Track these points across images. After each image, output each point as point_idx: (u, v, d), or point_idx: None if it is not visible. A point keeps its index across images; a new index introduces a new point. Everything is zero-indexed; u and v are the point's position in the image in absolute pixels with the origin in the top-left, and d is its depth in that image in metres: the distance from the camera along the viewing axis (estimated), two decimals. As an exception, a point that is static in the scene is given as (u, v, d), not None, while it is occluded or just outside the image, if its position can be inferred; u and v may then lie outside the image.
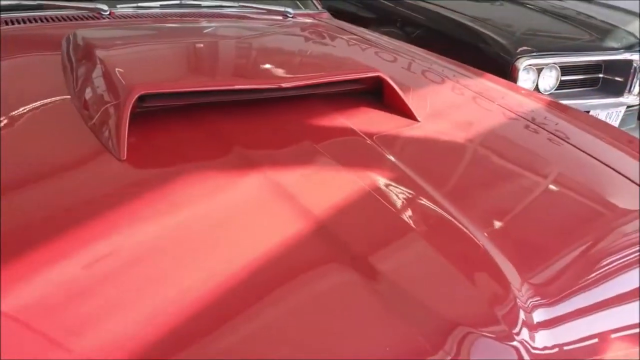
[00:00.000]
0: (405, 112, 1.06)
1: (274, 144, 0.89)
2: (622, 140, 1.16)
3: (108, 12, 1.69)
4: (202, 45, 1.22)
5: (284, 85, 0.94)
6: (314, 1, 2.23)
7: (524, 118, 1.21)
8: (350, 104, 1.08)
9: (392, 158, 0.89)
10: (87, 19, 1.65)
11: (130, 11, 1.74)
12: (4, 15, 1.60)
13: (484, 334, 0.58)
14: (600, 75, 2.98)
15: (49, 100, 1.01)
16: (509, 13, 3.32)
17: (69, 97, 0.99)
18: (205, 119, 0.94)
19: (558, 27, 3.09)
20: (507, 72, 2.66)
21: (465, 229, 0.73)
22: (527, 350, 0.58)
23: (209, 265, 0.63)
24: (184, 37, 1.36)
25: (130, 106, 0.84)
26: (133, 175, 0.80)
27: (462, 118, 1.17)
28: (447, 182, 0.88)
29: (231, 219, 0.71)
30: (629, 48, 2.92)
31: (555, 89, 2.85)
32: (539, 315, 0.63)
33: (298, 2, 2.20)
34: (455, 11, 3.16)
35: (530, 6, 3.39)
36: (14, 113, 0.93)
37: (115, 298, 0.57)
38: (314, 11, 2.14)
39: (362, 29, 2.11)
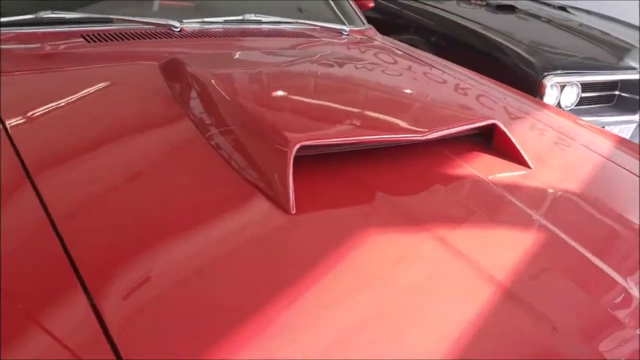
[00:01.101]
0: (518, 159, 1.11)
1: (424, 198, 0.93)
2: None
3: (179, 29, 1.69)
4: (330, 85, 1.25)
5: (427, 137, 0.98)
6: (361, 17, 2.26)
7: (612, 161, 1.28)
8: (466, 148, 1.12)
9: (525, 208, 0.94)
10: (158, 35, 1.64)
11: (197, 27, 1.74)
12: (73, 28, 1.60)
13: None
14: (617, 93, 3.08)
15: (183, 144, 1.03)
16: (528, 26, 3.39)
17: (201, 139, 1.01)
18: (345, 166, 0.97)
19: (578, 44, 3.18)
20: (534, 89, 2.74)
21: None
22: None
23: (407, 336, 0.66)
24: (303, 71, 1.37)
25: (293, 157, 0.87)
26: (307, 230, 0.83)
27: (563, 163, 1.22)
28: (589, 235, 0.93)
29: (418, 285, 0.74)
30: (645, 68, 3.03)
31: (575, 105, 2.95)
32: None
33: (340, 16, 2.23)
34: (478, 23, 3.22)
35: (545, 19, 3.47)
36: (152, 162, 0.94)
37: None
38: (362, 27, 2.17)
39: (410, 47, 2.15)
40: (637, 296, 0.79)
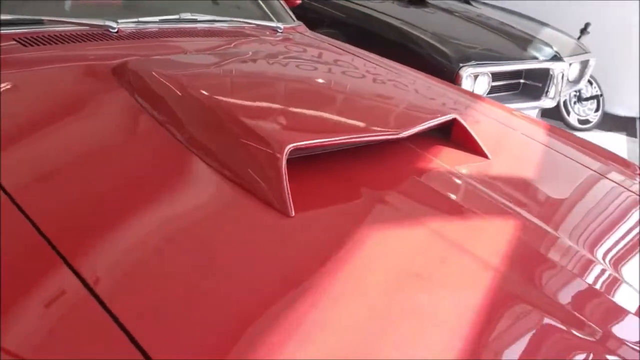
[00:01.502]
0: (477, 150, 1.19)
1: (406, 190, 0.99)
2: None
3: (116, 30, 1.63)
4: (296, 87, 1.27)
5: (401, 135, 1.03)
6: (290, 14, 2.28)
7: (548, 147, 1.40)
8: (428, 142, 1.19)
9: (493, 194, 1.03)
10: (96, 37, 1.58)
11: (133, 27, 1.69)
12: (3, 31, 1.50)
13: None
14: (521, 81, 3.31)
15: (162, 152, 1.01)
16: (440, 20, 3.56)
17: (182, 148, 1.00)
18: (329, 165, 1.00)
19: (486, 36, 3.39)
20: (451, 79, 2.89)
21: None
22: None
23: (422, 329, 0.71)
24: (271, 75, 1.38)
25: (285, 160, 0.89)
26: (308, 231, 0.85)
27: (513, 152, 1.33)
28: (545, 211, 1.04)
29: (425, 276, 0.79)
30: (547, 58, 3.28)
31: (487, 94, 3.14)
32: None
33: (270, 14, 2.23)
34: (392, 16, 3.34)
35: (458, 14, 3.65)
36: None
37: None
38: (293, 24, 2.19)
39: (338, 42, 2.20)
40: (592, 258, 0.90)
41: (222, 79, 1.30)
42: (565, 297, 0.82)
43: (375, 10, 3.52)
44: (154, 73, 1.20)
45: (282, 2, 2.31)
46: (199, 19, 1.86)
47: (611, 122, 4.96)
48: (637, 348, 0.75)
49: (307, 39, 2.06)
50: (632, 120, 5.17)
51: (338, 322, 0.68)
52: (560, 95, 3.40)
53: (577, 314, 0.78)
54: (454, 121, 1.22)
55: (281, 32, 2.03)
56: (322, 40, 2.12)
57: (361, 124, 1.07)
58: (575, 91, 4.49)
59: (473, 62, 2.97)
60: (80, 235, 0.77)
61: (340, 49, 2.01)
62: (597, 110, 4.75)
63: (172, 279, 0.71)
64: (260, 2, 2.23)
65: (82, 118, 1.14)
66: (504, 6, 4.24)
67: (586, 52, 3.73)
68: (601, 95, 4.66)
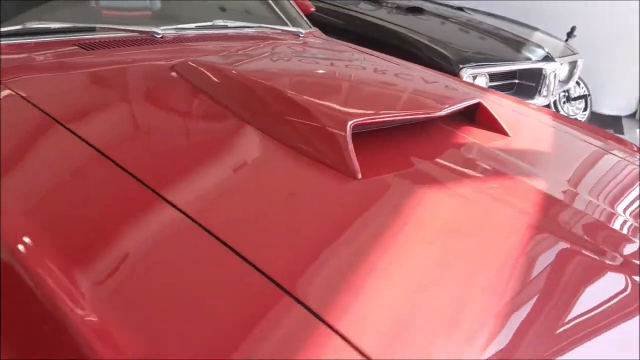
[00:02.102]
0: (500, 130, 1.37)
1: (449, 160, 1.16)
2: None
3: (161, 36, 1.80)
4: (346, 78, 1.45)
5: (440, 113, 1.21)
6: (306, 20, 2.46)
7: (557, 129, 1.59)
8: (457, 124, 1.36)
9: (519, 162, 1.21)
10: (144, 42, 1.75)
11: (174, 32, 1.86)
12: (63, 38, 1.66)
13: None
14: (516, 81, 3.51)
15: (234, 136, 1.18)
16: (437, 25, 3.77)
17: (253, 130, 1.17)
18: (382, 140, 1.17)
19: (481, 40, 3.59)
20: (452, 80, 3.08)
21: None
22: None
23: (486, 266, 0.88)
24: (313, 68, 1.57)
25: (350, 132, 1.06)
26: (373, 191, 1.02)
27: (528, 132, 1.51)
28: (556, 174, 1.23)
29: (472, 226, 0.96)
30: (539, 58, 3.49)
31: (485, 94, 3.34)
32: None
33: (288, 21, 2.41)
34: (392, 23, 3.54)
35: (453, 20, 3.86)
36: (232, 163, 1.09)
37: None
38: (311, 30, 2.37)
39: (353, 45, 2.38)
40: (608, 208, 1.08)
41: (276, 70, 1.47)
42: (590, 234, 1.00)
43: (375, 17, 3.72)
44: (221, 67, 1.37)
45: (298, 10, 2.48)
46: (229, 25, 2.04)
47: (599, 121, 5.19)
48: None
49: (327, 42, 2.23)
50: (617, 118, 5.42)
51: (402, 267, 0.85)
52: (552, 94, 3.60)
53: (603, 247, 0.96)
54: (478, 105, 1.40)
55: (302, 36, 2.21)
56: (340, 43, 2.30)
57: (406, 105, 1.25)
58: (564, 91, 4.71)
59: (472, 64, 3.16)
60: (187, 184, 0.93)
61: (359, 50, 2.19)
62: (585, 109, 4.97)
63: (268, 222, 0.88)
64: (280, 12, 2.41)
65: (160, 105, 1.31)
66: (496, 6, 4.46)
67: (575, 54, 3.95)
68: (589, 95, 4.88)
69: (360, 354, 0.69)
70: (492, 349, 0.73)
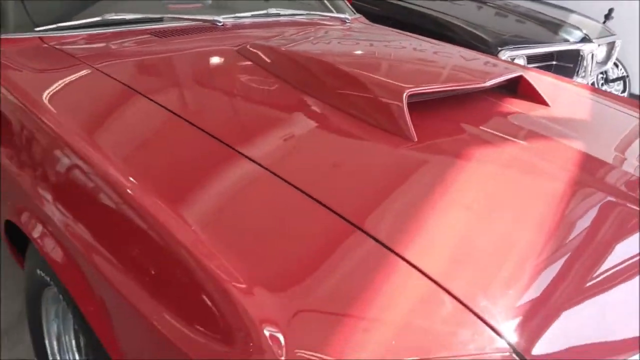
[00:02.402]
0: (539, 101, 1.49)
1: (496, 126, 1.29)
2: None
3: (222, 24, 1.96)
4: (398, 55, 1.61)
5: (487, 84, 1.34)
6: (351, 7, 2.59)
7: (593, 100, 1.70)
8: (499, 96, 1.49)
9: (558, 127, 1.33)
10: (207, 29, 1.91)
11: (232, 21, 2.01)
12: (137, 27, 1.84)
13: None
14: (554, 62, 3.57)
15: (303, 108, 1.33)
16: (475, 11, 3.85)
17: (317, 102, 1.32)
18: (432, 109, 1.31)
19: (521, 24, 3.67)
20: (491, 63, 3.17)
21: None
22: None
23: (534, 211, 1.01)
24: (367, 47, 1.75)
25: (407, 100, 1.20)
26: (428, 151, 1.16)
27: (565, 101, 1.63)
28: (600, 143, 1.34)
29: (522, 178, 1.10)
30: (577, 40, 3.55)
31: (523, 76, 3.41)
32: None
33: (331, 8, 2.54)
34: (431, 9, 3.64)
35: (490, 4, 3.94)
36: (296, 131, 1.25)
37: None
38: (356, 16, 2.50)
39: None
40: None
41: (332, 50, 1.62)
42: (625, 186, 1.12)
43: (412, 3, 3.82)
44: (285, 48, 1.52)
45: (343, -2, 2.62)
46: (281, 13, 2.19)
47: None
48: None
49: (372, 27, 2.37)
50: (657, 100, 5.39)
51: (458, 208, 0.99)
52: (590, 75, 3.65)
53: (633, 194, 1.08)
54: (520, 78, 1.52)
55: (349, 22, 2.35)
56: (383, 27, 2.43)
57: (453, 77, 1.38)
58: (603, 73, 4.73)
59: (510, 46, 3.24)
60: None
61: (402, 33, 2.32)
62: (623, 91, 4.98)
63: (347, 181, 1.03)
64: (327, 2, 2.54)
65: (229, 80, 1.49)
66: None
67: (612, 34, 3.98)
68: (627, 76, 4.89)
69: (424, 276, 0.83)
70: (537, 278, 0.87)
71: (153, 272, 0.91)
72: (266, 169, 1.03)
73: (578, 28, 3.64)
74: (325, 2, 2.52)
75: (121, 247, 0.96)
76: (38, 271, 1.24)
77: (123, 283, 0.91)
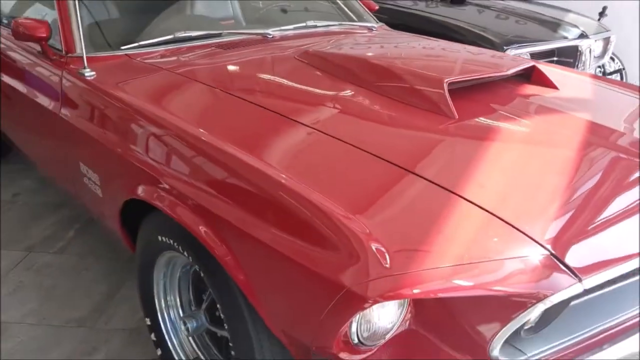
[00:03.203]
0: (550, 85, 1.81)
1: (520, 106, 1.61)
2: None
3: (272, 36, 2.28)
4: (424, 54, 1.92)
5: (509, 72, 1.67)
6: (374, 17, 2.91)
7: (596, 85, 2.01)
8: (516, 83, 1.81)
9: (567, 104, 1.65)
10: (260, 41, 2.24)
11: (279, 33, 2.34)
12: (202, 42, 2.16)
13: None
14: (555, 59, 3.89)
15: (361, 97, 1.66)
16: (480, 14, 4.17)
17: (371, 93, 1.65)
18: (465, 94, 1.63)
19: (523, 24, 3.99)
20: (498, 61, 3.48)
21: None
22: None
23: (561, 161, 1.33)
24: (409, 47, 2.10)
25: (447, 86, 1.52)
26: (468, 125, 1.48)
27: (571, 86, 1.94)
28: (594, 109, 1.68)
29: (543, 143, 1.42)
30: (575, 37, 3.87)
31: (527, 72, 3.73)
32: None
33: (357, 18, 2.86)
34: (440, 15, 3.97)
35: (493, 8, 4.27)
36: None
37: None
38: (379, 24, 2.82)
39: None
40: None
41: (374, 51, 1.95)
42: (622, 142, 1.44)
43: (421, 10, 4.15)
44: (336, 52, 1.85)
45: (365, 9, 2.94)
46: (318, 25, 2.51)
47: (635, 94, 5.49)
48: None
49: (395, 33, 2.69)
50: (653, 90, 5.71)
51: (498, 158, 1.31)
52: (589, 68, 3.97)
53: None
54: (533, 67, 1.84)
55: (375, 30, 2.67)
56: (404, 33, 2.75)
57: (480, 68, 1.71)
58: (600, 66, 5.05)
59: (514, 45, 3.56)
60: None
61: (422, 37, 2.64)
62: (620, 83, 5.29)
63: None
64: (353, 12, 2.86)
65: (290, 78, 1.85)
66: None
67: (607, 30, 4.29)
68: (623, 69, 5.20)
69: (479, 208, 1.14)
70: (565, 207, 1.19)
71: (276, 217, 1.21)
72: (333, 136, 1.38)
73: (575, 26, 3.96)
74: (353, 13, 2.85)
75: (246, 202, 1.27)
76: (159, 237, 1.55)
77: (253, 226, 1.22)
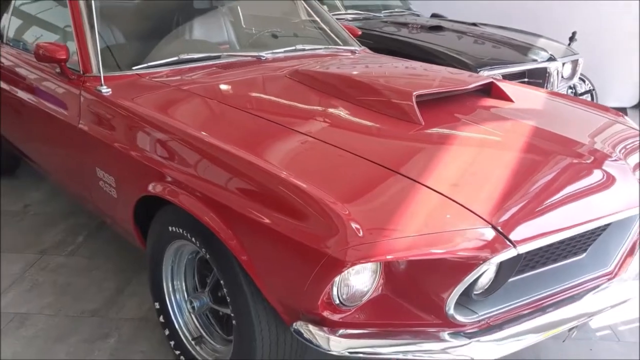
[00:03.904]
0: (506, 99, 2.10)
1: (480, 116, 1.90)
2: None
3: (265, 58, 2.57)
4: (397, 72, 2.21)
5: (470, 87, 1.96)
6: (356, 41, 3.21)
7: (550, 99, 2.31)
8: (477, 97, 2.10)
9: (519, 113, 1.94)
10: (254, 62, 2.52)
11: (271, 55, 2.63)
12: (204, 63, 2.44)
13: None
14: (525, 79, 4.21)
15: (340, 107, 1.94)
16: (457, 39, 4.50)
17: (349, 104, 1.93)
18: (433, 105, 1.91)
19: (494, 47, 4.32)
20: (472, 81, 3.79)
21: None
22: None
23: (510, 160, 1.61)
24: (386, 67, 2.39)
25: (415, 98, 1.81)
26: (433, 129, 1.76)
27: (527, 100, 2.24)
28: (546, 118, 1.95)
29: (499, 146, 1.70)
30: (544, 59, 4.19)
31: (500, 91, 4.04)
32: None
33: (342, 42, 3.16)
34: (419, 40, 4.29)
35: (469, 34, 4.60)
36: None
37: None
38: (362, 47, 3.12)
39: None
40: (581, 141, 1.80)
41: (355, 70, 2.24)
42: (558, 144, 1.73)
43: (401, 36, 4.47)
44: (322, 70, 2.14)
45: (348, 34, 3.24)
46: (306, 48, 2.81)
47: (606, 113, 5.85)
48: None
49: (375, 55, 2.99)
50: (623, 109, 6.05)
51: (460, 156, 1.59)
52: (557, 88, 4.29)
53: (577, 152, 1.68)
54: (491, 83, 2.13)
55: (357, 52, 2.97)
56: (384, 56, 3.06)
57: (446, 83, 2.00)
58: (571, 87, 5.39)
59: (487, 67, 3.87)
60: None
61: (400, 59, 2.94)
62: (592, 103, 5.64)
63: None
64: (338, 37, 3.16)
65: (281, 93, 2.12)
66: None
67: (575, 54, 4.63)
68: (593, 89, 5.55)
69: (437, 193, 1.42)
70: (511, 193, 1.47)
71: (273, 204, 1.47)
72: (319, 139, 1.66)
73: (544, 49, 4.30)
74: (338, 37, 3.15)
75: (248, 192, 1.53)
76: (170, 228, 1.80)
77: (254, 212, 1.48)
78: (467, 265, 1.33)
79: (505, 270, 1.45)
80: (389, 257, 1.31)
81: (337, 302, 1.40)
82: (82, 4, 2.38)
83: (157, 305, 1.99)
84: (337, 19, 3.46)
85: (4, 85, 2.90)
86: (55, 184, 3.09)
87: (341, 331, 1.40)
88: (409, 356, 1.39)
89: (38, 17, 3.14)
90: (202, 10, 3.04)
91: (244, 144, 1.65)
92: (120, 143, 1.97)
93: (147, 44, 2.61)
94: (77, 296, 2.44)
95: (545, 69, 4.19)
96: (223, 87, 2.22)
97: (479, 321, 1.46)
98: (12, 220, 3.16)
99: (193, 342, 1.93)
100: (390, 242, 1.31)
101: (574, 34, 5.08)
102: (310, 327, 1.42)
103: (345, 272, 1.33)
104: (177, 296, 1.97)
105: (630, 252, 1.78)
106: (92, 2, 2.20)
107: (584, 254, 1.72)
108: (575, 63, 4.65)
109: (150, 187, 1.80)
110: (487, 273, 1.43)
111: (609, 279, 1.69)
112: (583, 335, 2.23)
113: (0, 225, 3.08)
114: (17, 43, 3.00)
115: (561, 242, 1.55)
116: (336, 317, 1.41)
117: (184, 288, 1.97)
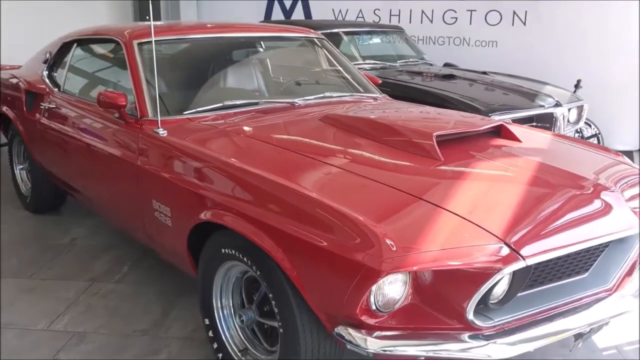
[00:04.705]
0: (515, 140, 2.38)
1: (493, 155, 2.18)
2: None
3: (299, 104, 2.89)
4: (416, 116, 2.52)
5: (483, 128, 2.25)
6: (377, 89, 3.52)
7: (557, 141, 2.59)
8: (488, 138, 2.38)
9: (526, 152, 2.22)
10: (290, 108, 2.84)
11: (303, 102, 2.94)
12: (245, 109, 2.76)
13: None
14: (533, 124, 4.50)
15: (368, 146, 2.23)
16: (468, 86, 4.83)
17: (375, 143, 2.23)
18: (450, 144, 2.19)
19: (506, 95, 4.63)
20: (484, 125, 4.08)
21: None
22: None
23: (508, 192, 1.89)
24: (406, 112, 2.70)
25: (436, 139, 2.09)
26: (451, 164, 2.04)
27: (534, 140, 2.52)
28: (553, 156, 2.22)
29: (507, 179, 1.98)
30: (550, 105, 4.49)
31: (510, 135, 4.32)
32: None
33: (364, 90, 3.48)
34: (433, 88, 4.61)
35: (480, 82, 4.93)
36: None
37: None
38: (382, 94, 3.43)
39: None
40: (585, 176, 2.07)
41: (382, 114, 2.54)
42: (561, 178, 2.00)
43: (416, 84, 4.80)
44: (350, 115, 2.45)
45: (371, 83, 3.56)
46: (334, 95, 3.13)
47: (613, 156, 6.11)
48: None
49: (396, 101, 3.31)
50: (629, 153, 6.31)
51: (474, 185, 1.86)
52: (563, 132, 4.56)
53: (578, 183, 1.95)
54: (501, 125, 2.42)
55: (379, 99, 3.29)
56: (403, 102, 3.37)
57: (461, 125, 2.29)
58: (577, 131, 5.66)
59: (498, 112, 4.16)
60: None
61: (418, 105, 3.25)
62: (599, 146, 5.90)
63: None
64: (360, 85, 3.49)
65: (316, 135, 2.39)
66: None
67: (580, 100, 4.93)
68: (599, 133, 5.82)
69: (457, 215, 1.68)
70: (524, 216, 1.73)
71: (319, 225, 1.74)
72: (352, 172, 1.94)
73: (551, 96, 4.60)
74: (360, 86, 3.46)
75: (295, 215, 1.80)
76: (222, 250, 2.07)
77: (302, 233, 1.74)
78: (483, 275, 1.58)
79: (516, 282, 1.70)
80: (416, 267, 1.58)
81: (374, 308, 1.65)
82: (138, 59, 2.72)
83: (206, 321, 2.24)
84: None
85: (58, 127, 3.24)
86: (105, 217, 3.38)
87: (377, 333, 1.64)
88: (434, 354, 1.63)
89: (89, 72, 3.55)
90: (236, 61, 3.40)
91: (287, 174, 1.94)
92: (175, 177, 2.27)
93: (192, 91, 2.94)
94: (127, 318, 2.70)
95: (552, 114, 4.47)
96: (263, 128, 2.52)
97: (494, 326, 1.69)
98: (61, 252, 3.45)
99: (240, 354, 2.16)
100: (418, 255, 1.57)
101: (578, 81, 5.40)
102: (350, 330, 1.66)
103: (381, 281, 1.58)
104: (225, 312, 2.22)
105: (629, 272, 2.02)
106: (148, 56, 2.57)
107: (586, 274, 1.96)
108: (580, 108, 4.94)
109: (203, 215, 2.08)
110: (500, 284, 1.68)
111: (609, 294, 1.92)
112: (590, 355, 2.43)
113: (51, 257, 3.37)
114: (72, 92, 3.36)
115: (565, 259, 1.81)
116: (372, 322, 1.65)
117: (231, 304, 2.22)
